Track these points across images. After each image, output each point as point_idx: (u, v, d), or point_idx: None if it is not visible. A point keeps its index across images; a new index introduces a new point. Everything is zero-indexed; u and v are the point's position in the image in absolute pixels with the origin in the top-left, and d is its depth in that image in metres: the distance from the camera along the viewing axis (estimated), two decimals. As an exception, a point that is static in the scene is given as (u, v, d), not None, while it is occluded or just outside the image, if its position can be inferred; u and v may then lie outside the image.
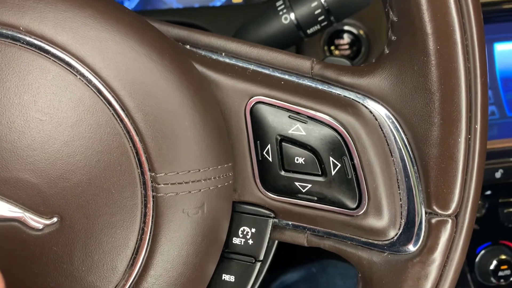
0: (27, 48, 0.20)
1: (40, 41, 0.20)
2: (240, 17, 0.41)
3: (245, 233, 0.25)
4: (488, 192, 0.46)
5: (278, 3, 0.31)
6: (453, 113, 0.20)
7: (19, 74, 0.20)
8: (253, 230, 0.25)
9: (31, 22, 0.20)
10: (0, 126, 0.20)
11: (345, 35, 0.46)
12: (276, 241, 0.28)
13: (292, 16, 0.30)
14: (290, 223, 0.25)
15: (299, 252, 0.54)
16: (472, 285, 0.48)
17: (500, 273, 0.46)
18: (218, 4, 0.50)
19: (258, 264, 0.25)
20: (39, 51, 0.20)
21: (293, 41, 0.32)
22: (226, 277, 0.25)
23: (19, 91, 0.20)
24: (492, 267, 0.46)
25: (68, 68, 0.20)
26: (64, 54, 0.20)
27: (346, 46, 0.46)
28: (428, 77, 0.20)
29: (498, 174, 0.46)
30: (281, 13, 0.31)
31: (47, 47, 0.20)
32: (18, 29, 0.20)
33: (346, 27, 0.46)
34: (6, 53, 0.20)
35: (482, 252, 0.47)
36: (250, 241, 0.25)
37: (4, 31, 0.20)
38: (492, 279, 0.46)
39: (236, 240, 0.25)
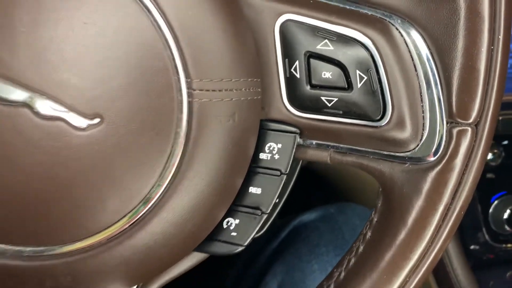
0: None
1: None
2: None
3: (271, 148, 0.26)
4: (505, 142, 0.47)
5: None
6: (477, 23, 0.21)
7: None
8: (279, 145, 0.26)
9: None
10: (46, 29, 0.21)
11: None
12: (300, 163, 0.29)
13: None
14: (313, 142, 0.26)
15: (316, 197, 0.55)
16: (486, 234, 0.49)
17: (514, 221, 0.47)
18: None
19: (284, 177, 0.26)
20: None
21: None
22: (253, 189, 0.27)
23: None
24: (506, 216, 0.47)
25: None
26: None
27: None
28: None
29: (516, 125, 0.47)
30: None
31: None
32: None
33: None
34: None
35: (497, 201, 0.48)
36: (276, 156, 0.26)
37: None
38: (506, 227, 0.47)
39: (262, 156, 0.26)
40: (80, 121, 0.22)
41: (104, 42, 0.22)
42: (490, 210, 0.48)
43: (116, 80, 0.22)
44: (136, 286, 0.28)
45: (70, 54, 0.21)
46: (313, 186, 0.56)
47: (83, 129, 0.22)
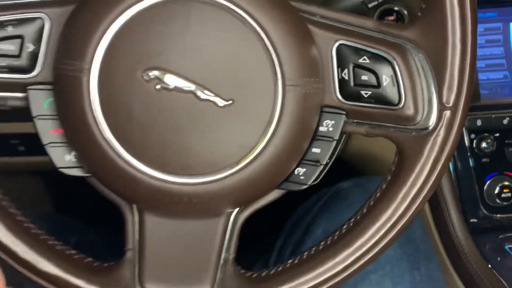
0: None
1: None
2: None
3: (327, 124, 0.41)
4: (497, 134, 0.61)
5: (350, -13, 0.47)
6: (455, 49, 0.36)
7: (215, 26, 0.37)
8: (333, 122, 0.41)
9: None
10: (202, 47, 0.36)
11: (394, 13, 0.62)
12: (344, 136, 0.44)
13: (359, -5, 0.46)
14: (354, 120, 0.41)
15: (347, 173, 0.70)
16: (483, 207, 0.63)
17: (503, 195, 0.61)
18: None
19: (335, 142, 0.41)
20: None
21: (357, 13, 0.48)
22: (314, 149, 0.41)
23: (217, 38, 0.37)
24: (496, 191, 0.61)
25: (235, 14, 0.37)
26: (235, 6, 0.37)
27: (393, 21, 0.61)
28: (445, 30, 0.37)
29: (505, 121, 0.61)
30: (352, -7, 0.47)
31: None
32: None
33: (395, 8, 0.62)
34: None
35: (490, 180, 0.62)
36: (330, 128, 0.41)
37: None
38: (497, 201, 0.61)
39: (321, 128, 0.41)
40: (221, 102, 0.37)
41: (236, 57, 0.37)
42: (485, 187, 0.62)
43: (242, 79, 0.37)
44: (238, 208, 0.43)
45: (217, 62, 0.37)
46: (346, 170, 0.71)
47: (222, 107, 0.38)
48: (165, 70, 0.37)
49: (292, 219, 0.61)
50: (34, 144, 0.81)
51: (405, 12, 0.62)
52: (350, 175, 0.68)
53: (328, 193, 0.59)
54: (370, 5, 0.47)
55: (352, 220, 0.41)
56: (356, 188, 0.58)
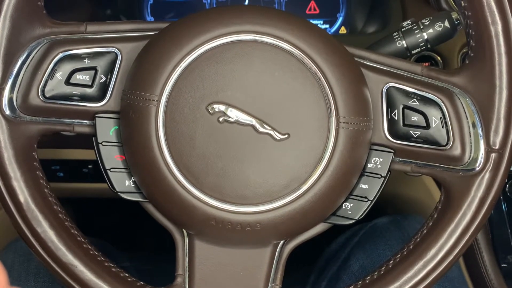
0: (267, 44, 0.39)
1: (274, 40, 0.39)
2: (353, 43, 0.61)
3: (375, 161, 0.43)
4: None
5: (394, 34, 0.50)
6: (502, 94, 0.39)
7: (271, 61, 0.39)
8: (381, 159, 0.43)
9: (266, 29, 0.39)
10: (258, 83, 0.39)
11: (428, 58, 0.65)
12: (389, 173, 0.45)
13: (404, 42, 0.49)
14: (401, 159, 0.43)
15: (384, 210, 0.71)
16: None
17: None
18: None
19: (382, 179, 0.43)
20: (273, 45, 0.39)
21: (401, 57, 0.50)
22: (362, 185, 0.43)
23: (271, 68, 0.40)
24: None
25: (294, 55, 0.39)
26: (297, 50, 0.39)
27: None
28: (492, 76, 0.39)
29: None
30: (396, 39, 0.49)
31: (280, 44, 0.39)
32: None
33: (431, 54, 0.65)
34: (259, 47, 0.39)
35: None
36: (379, 166, 0.43)
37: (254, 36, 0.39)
38: None
39: (370, 165, 0.43)
40: (278, 136, 0.40)
41: (294, 95, 0.40)
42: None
43: (298, 115, 0.40)
44: (284, 240, 0.44)
45: (276, 99, 0.40)
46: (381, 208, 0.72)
47: (278, 140, 0.40)
48: (229, 105, 0.39)
49: (326, 255, 0.62)
50: (71, 171, 0.83)
51: (440, 59, 0.65)
52: (379, 214, 0.69)
53: (363, 229, 0.60)
54: (413, 52, 0.50)
55: (399, 255, 0.43)
56: (392, 226, 0.59)
